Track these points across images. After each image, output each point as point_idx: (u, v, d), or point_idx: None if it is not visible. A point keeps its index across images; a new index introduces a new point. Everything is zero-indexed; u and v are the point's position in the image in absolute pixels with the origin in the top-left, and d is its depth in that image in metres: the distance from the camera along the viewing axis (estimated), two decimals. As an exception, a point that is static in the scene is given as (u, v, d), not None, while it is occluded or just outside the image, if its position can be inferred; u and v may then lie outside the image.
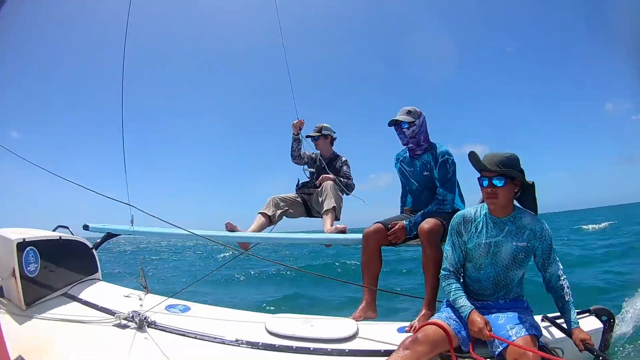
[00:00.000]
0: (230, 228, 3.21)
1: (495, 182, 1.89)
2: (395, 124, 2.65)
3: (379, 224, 2.61)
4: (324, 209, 3.32)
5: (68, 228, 2.99)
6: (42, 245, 2.40)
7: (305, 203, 3.65)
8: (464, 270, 2.10)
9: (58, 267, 2.57)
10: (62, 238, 2.69)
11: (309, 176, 3.74)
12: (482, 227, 2.00)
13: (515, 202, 2.02)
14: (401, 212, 2.84)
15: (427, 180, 2.66)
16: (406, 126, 2.62)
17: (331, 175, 3.48)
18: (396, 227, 2.54)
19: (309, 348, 2.04)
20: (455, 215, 2.11)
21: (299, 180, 3.74)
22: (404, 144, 2.71)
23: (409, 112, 2.64)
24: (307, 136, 3.66)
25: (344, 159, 3.69)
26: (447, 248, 2.10)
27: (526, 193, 1.97)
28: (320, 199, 3.42)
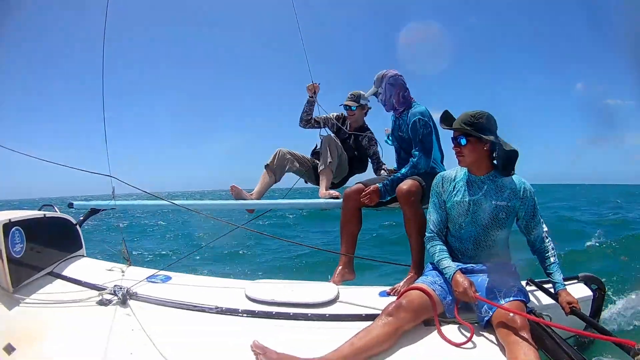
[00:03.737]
0: (236, 193, 3.10)
1: (460, 140, 1.93)
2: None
3: (360, 184, 2.58)
4: (319, 169, 3.22)
5: (53, 206, 3.01)
6: (27, 225, 2.40)
7: (317, 173, 3.39)
8: (447, 231, 2.08)
9: (43, 246, 2.60)
10: (47, 216, 2.72)
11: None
12: (460, 186, 2.00)
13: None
14: (387, 173, 2.84)
15: (401, 140, 2.65)
16: (375, 99, 2.70)
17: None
18: (369, 189, 2.47)
19: (289, 313, 2.06)
20: (436, 177, 2.13)
21: (316, 145, 3.52)
22: (387, 112, 2.73)
23: (374, 82, 2.66)
24: (344, 105, 3.36)
25: (370, 135, 3.37)
26: (430, 210, 2.09)
27: (499, 153, 1.93)
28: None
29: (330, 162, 3.18)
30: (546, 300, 2.09)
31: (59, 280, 2.55)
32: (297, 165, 3.41)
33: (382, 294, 2.23)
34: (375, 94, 2.69)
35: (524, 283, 2.11)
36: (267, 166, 3.33)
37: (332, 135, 3.33)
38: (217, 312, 2.14)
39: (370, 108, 3.46)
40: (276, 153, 3.36)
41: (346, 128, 3.44)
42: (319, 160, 3.36)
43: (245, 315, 2.10)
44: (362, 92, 3.26)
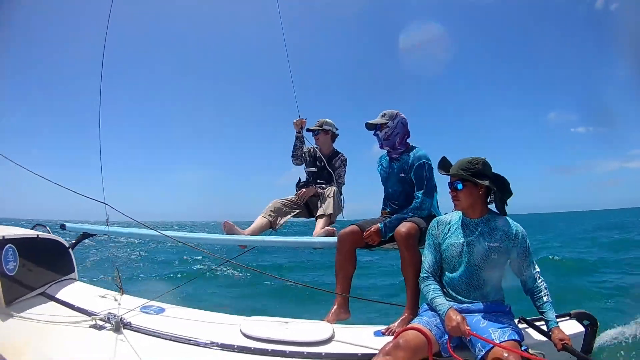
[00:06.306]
0: (228, 228, 3.12)
1: (456, 185, 2.02)
2: (369, 127, 2.73)
3: (355, 226, 2.61)
4: (318, 214, 3.36)
5: (46, 227, 2.99)
6: (20, 244, 2.39)
7: (308, 206, 3.60)
8: (441, 272, 2.13)
9: (36, 266, 2.57)
10: (40, 237, 2.69)
11: (308, 176, 3.70)
12: (455, 229, 2.08)
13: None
14: (381, 215, 2.85)
15: (404, 182, 2.67)
16: (378, 129, 2.69)
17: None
18: (371, 230, 2.52)
19: (285, 351, 2.04)
20: (432, 220, 2.20)
21: (300, 179, 3.71)
22: (380, 147, 2.75)
23: (383, 115, 2.70)
24: (308, 130, 3.57)
25: (343, 157, 3.61)
26: (425, 251, 2.16)
27: (495, 196, 2.03)
28: (319, 204, 3.43)
29: (331, 214, 3.32)
30: (539, 337, 2.11)
31: (51, 302, 2.50)
32: (294, 210, 3.54)
33: (377, 334, 2.23)
34: (378, 126, 2.70)
35: (516, 321, 2.14)
36: (263, 215, 3.42)
37: (337, 189, 3.48)
38: (212, 347, 2.11)
39: (337, 135, 3.66)
40: (270, 205, 3.49)
41: (320, 160, 3.63)
42: (304, 189, 3.53)
43: (240, 351, 2.07)
44: (327, 120, 3.58)
